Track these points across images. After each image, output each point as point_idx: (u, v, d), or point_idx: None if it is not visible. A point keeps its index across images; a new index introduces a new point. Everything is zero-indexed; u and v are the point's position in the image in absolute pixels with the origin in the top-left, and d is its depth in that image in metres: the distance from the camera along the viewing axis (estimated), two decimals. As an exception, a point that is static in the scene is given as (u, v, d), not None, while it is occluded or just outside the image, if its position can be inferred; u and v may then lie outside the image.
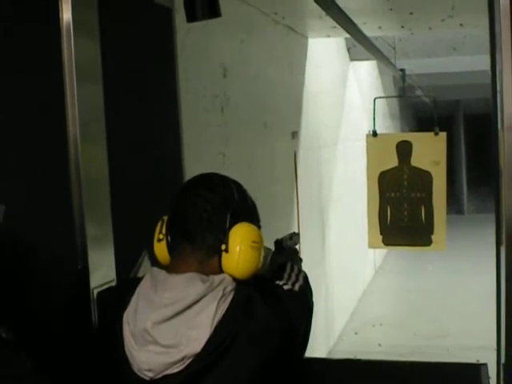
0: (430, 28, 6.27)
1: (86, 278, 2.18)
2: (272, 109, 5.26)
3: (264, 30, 5.18)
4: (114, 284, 2.26)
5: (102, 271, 2.25)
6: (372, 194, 6.20)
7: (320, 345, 6.83)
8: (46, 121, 2.11)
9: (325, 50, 7.33)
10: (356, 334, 8.15)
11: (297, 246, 2.38)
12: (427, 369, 2.53)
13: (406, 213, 6.18)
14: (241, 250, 1.79)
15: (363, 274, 10.19)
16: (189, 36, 3.53)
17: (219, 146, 4.04)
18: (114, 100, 2.40)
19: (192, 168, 3.17)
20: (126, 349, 1.77)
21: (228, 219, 1.81)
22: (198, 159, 3.52)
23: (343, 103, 8.62)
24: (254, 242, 1.82)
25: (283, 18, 5.40)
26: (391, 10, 5.16)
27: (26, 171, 2.05)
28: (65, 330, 2.11)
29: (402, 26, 6.08)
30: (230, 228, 1.80)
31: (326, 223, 7.38)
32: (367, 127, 8.21)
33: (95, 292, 2.17)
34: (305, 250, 5.87)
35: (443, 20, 5.73)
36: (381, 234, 6.21)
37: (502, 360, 2.19)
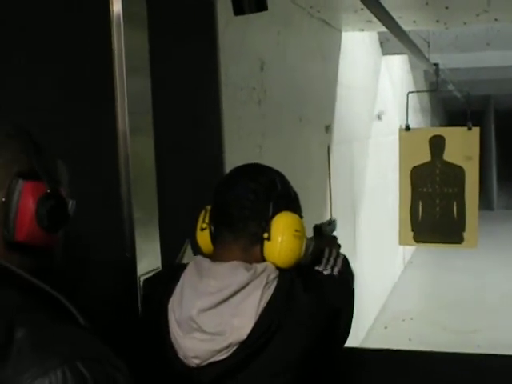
0: (465, 23, 6.24)
1: (134, 265, 2.23)
2: (307, 102, 5.29)
3: (300, 24, 5.20)
4: (159, 272, 2.31)
5: (149, 259, 2.30)
6: (404, 190, 6.19)
7: (350, 339, 6.83)
8: (96, 113, 2.14)
9: (358, 44, 7.33)
10: (386, 328, 8.15)
11: (334, 233, 2.41)
12: (465, 360, 2.55)
13: (437, 209, 6.16)
14: (283, 239, 1.81)
15: (393, 267, 10.18)
16: (228, 29, 3.57)
17: (256, 138, 4.07)
18: (159, 93, 2.45)
19: (231, 160, 3.21)
20: (171, 336, 1.80)
21: (270, 208, 1.83)
22: (236, 151, 3.55)
23: (376, 97, 8.61)
24: (296, 230, 1.84)
25: (318, 11, 5.42)
26: (427, 4, 5.15)
27: (77, 163, 2.09)
28: (113, 317, 2.15)
29: (437, 21, 6.06)
30: (272, 217, 1.82)
31: (357, 216, 7.39)
32: (399, 121, 8.19)
33: (142, 279, 2.22)
34: (337, 243, 5.89)
35: (478, 15, 5.71)
36: (412, 230, 6.19)
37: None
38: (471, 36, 7.94)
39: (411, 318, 8.51)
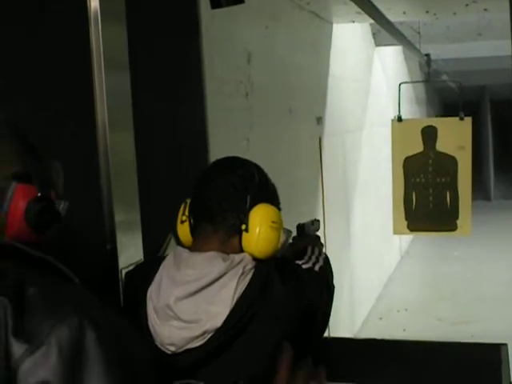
0: (455, 13, 6.25)
1: (115, 258, 2.25)
2: (297, 94, 5.30)
3: (289, 16, 5.21)
4: (141, 265, 2.32)
5: (130, 252, 2.31)
6: (397, 180, 6.22)
7: (344, 330, 6.87)
8: (75, 108, 2.15)
9: (350, 36, 7.34)
10: (381, 319, 8.18)
11: (318, 233, 2.44)
12: (447, 349, 2.57)
13: (431, 198, 6.20)
14: (260, 230, 1.84)
15: (389, 259, 10.21)
16: (213, 21, 3.58)
17: (244, 131, 4.09)
18: (140, 87, 2.46)
19: (217, 153, 3.21)
20: (149, 323, 1.83)
21: (248, 200, 1.86)
22: (222, 144, 3.56)
23: (369, 88, 8.63)
24: (273, 222, 1.87)
25: (308, 3, 5.43)
26: (416, -6, 5.17)
27: (57, 157, 2.11)
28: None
29: (427, 11, 6.07)
30: (250, 209, 1.86)
31: (351, 208, 7.41)
32: (393, 113, 8.21)
33: (123, 272, 2.24)
34: (330, 235, 5.93)
35: (467, 5, 5.72)
36: (406, 219, 6.23)
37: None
38: (463, 26, 7.94)
39: (406, 309, 8.54)
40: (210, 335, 1.75)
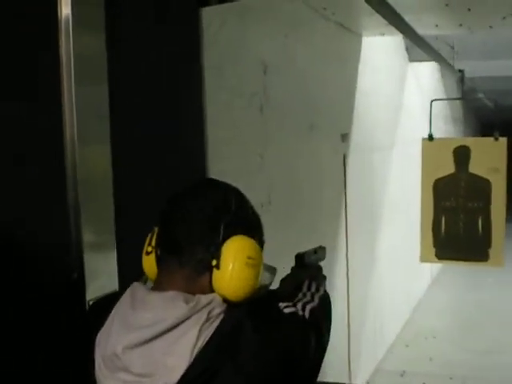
0: (491, 26, 5.91)
1: (82, 288, 1.98)
2: (319, 109, 5.00)
3: (312, 26, 4.92)
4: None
5: (101, 281, 2.04)
6: (426, 203, 5.88)
7: (368, 357, 6.55)
8: (41, 121, 1.94)
9: (381, 49, 7.03)
10: (407, 346, 7.81)
11: (322, 262, 2.13)
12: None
13: (461, 224, 5.85)
14: (234, 267, 1.54)
15: (418, 285, 9.82)
16: (223, 29, 3.32)
17: (256, 146, 3.79)
18: (132, 98, 2.26)
19: (221, 168, 2.97)
20: (96, 375, 1.54)
21: (221, 230, 1.56)
22: (229, 160, 3.30)
23: (400, 105, 8.29)
24: (249, 257, 1.56)
25: (333, 13, 5.13)
26: (447, 5, 4.83)
27: (18, 173, 1.86)
28: (58, 349, 1.91)
29: (460, 24, 5.73)
30: (223, 241, 1.56)
31: (377, 231, 7.07)
32: (427, 131, 7.87)
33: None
34: (353, 258, 5.61)
35: (504, 18, 5.38)
36: (434, 246, 5.88)
37: None
38: (500, 42, 7.59)
39: (434, 337, 8.16)
40: None
